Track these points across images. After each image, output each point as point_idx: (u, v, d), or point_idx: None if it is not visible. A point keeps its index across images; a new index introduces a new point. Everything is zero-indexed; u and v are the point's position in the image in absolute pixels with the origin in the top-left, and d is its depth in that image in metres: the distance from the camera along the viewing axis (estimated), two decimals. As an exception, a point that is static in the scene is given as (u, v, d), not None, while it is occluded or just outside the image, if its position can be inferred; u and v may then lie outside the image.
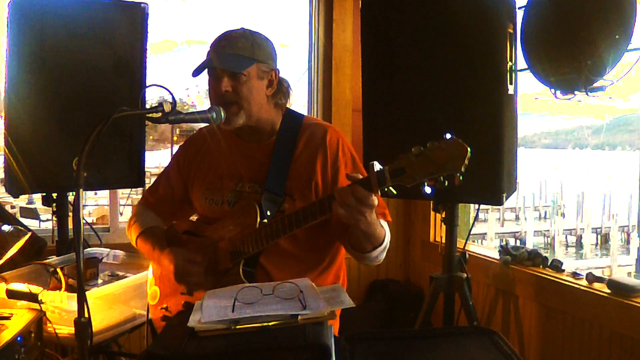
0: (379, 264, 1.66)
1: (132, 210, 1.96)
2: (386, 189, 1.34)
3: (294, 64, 3.51)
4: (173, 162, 1.91)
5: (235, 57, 1.60)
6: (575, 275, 2.38)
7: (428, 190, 1.32)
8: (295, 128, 1.73)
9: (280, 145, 1.70)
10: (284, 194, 1.65)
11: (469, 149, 1.26)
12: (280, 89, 1.72)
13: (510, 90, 2.14)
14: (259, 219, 1.60)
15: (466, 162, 1.27)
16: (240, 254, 1.63)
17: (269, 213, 1.62)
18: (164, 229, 1.85)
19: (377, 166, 1.34)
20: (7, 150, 2.23)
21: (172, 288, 1.77)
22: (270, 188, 1.65)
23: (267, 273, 1.65)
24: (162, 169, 2.03)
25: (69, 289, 1.92)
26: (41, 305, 1.76)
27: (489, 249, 3.07)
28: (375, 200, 1.38)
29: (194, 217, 1.92)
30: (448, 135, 1.28)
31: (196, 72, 1.65)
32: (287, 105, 1.77)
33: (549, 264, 2.55)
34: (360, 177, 1.37)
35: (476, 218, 2.91)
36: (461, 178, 1.29)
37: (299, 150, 1.69)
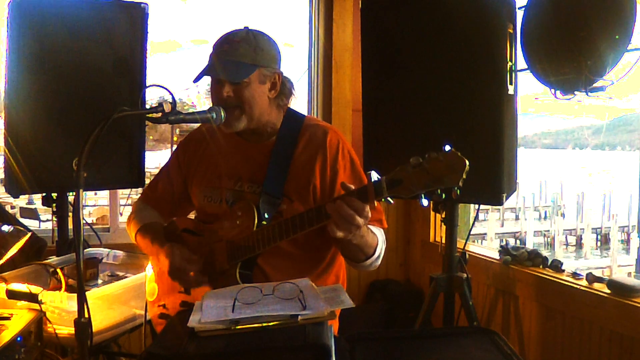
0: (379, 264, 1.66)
1: (132, 206, 1.96)
2: (383, 199, 1.33)
3: (295, 64, 3.51)
4: (173, 158, 1.90)
5: (237, 64, 1.58)
6: (575, 275, 2.38)
7: (425, 202, 1.31)
8: (295, 128, 1.71)
9: (280, 145, 1.69)
10: (282, 195, 1.64)
11: (467, 162, 1.23)
12: (283, 90, 1.69)
13: (510, 91, 2.14)
14: (256, 222, 1.60)
15: (464, 176, 1.24)
16: (237, 256, 1.62)
17: (266, 216, 1.61)
18: (164, 225, 1.84)
19: (375, 176, 1.33)
20: (7, 150, 2.23)
21: (169, 286, 1.76)
22: (268, 190, 1.63)
23: (264, 274, 1.64)
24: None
25: (69, 289, 1.92)
26: (41, 305, 1.76)
27: (489, 249, 3.06)
28: (369, 212, 1.37)
29: (192, 215, 1.92)
30: (447, 147, 1.25)
31: (197, 79, 1.63)
32: (289, 105, 1.75)
33: (549, 264, 2.54)
34: (353, 187, 1.37)
35: (476, 218, 2.91)
36: (459, 192, 1.26)
37: (298, 151, 1.68)
